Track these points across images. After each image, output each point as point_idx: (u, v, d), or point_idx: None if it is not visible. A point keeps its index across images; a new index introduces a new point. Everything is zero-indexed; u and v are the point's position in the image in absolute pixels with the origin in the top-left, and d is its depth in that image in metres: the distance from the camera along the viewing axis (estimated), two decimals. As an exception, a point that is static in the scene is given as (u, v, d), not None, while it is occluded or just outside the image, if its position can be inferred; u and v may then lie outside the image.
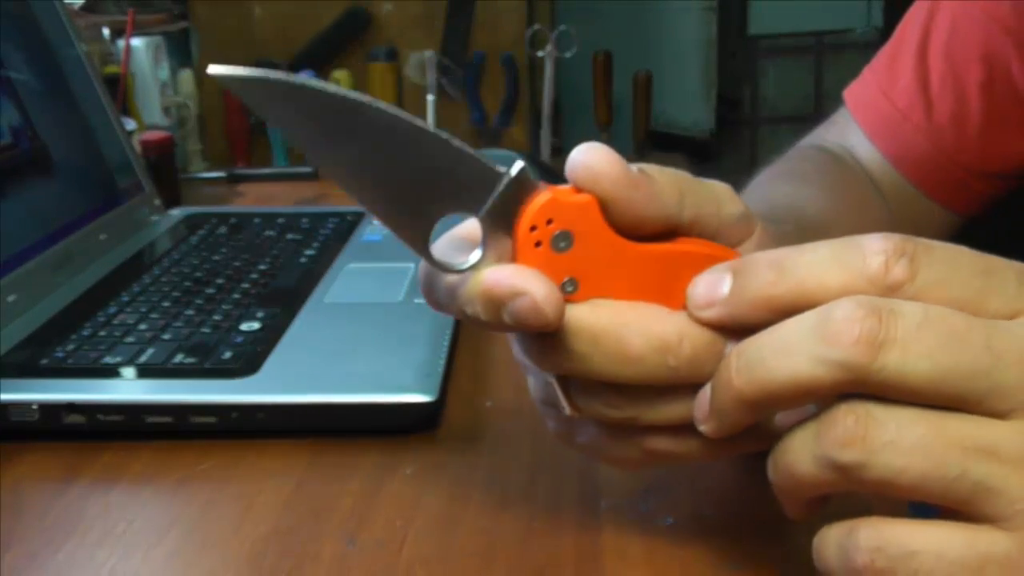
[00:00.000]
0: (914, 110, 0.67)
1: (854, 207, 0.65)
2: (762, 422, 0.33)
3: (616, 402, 0.35)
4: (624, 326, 0.33)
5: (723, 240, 0.36)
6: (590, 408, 0.36)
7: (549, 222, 0.32)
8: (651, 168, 0.35)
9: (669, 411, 0.35)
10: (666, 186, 0.34)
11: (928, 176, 0.68)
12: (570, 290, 0.33)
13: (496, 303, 0.32)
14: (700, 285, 0.33)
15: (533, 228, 0.32)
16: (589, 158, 0.33)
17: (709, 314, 0.33)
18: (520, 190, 0.32)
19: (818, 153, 0.70)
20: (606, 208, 0.33)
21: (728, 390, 0.32)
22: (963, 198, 0.69)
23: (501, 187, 0.32)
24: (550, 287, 0.32)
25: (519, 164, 0.32)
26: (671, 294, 0.34)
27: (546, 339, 0.34)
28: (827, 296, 0.30)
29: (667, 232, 0.35)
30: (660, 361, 0.33)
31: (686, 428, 0.35)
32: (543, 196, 0.33)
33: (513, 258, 0.33)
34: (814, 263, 0.31)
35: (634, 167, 0.34)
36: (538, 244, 0.32)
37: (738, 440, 0.34)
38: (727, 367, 0.32)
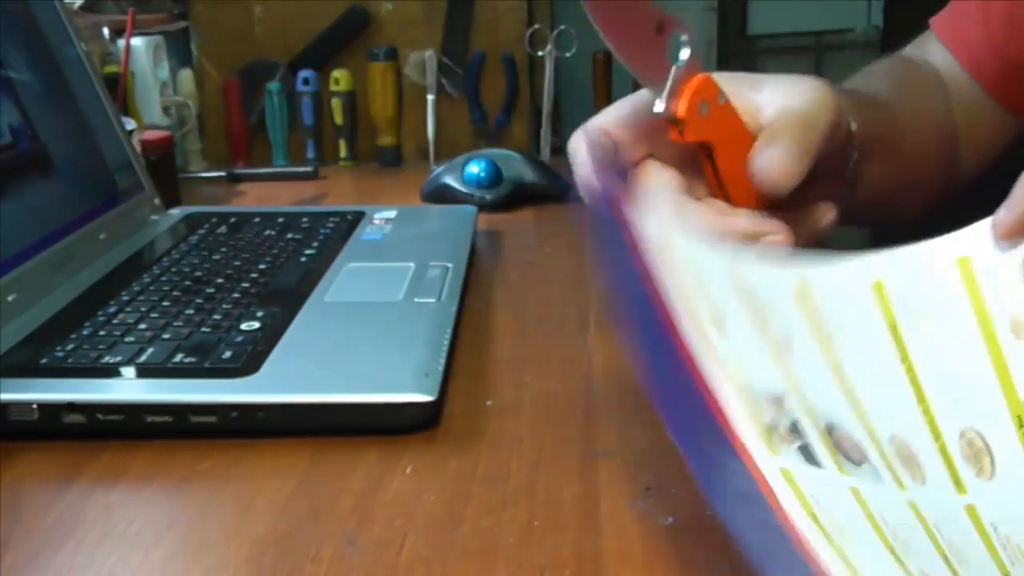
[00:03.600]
0: (973, 6, 0.70)
1: (917, 96, 0.67)
2: None
3: None
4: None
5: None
6: None
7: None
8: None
9: None
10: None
11: (986, 70, 0.70)
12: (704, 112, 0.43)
13: None
14: (1004, 218, 0.31)
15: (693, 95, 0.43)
16: None
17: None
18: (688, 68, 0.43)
19: (890, 58, 0.74)
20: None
21: None
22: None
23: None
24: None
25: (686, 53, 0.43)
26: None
27: None
28: None
29: None
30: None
31: None
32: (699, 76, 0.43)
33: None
34: None
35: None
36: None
37: None
38: None
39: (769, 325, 0.37)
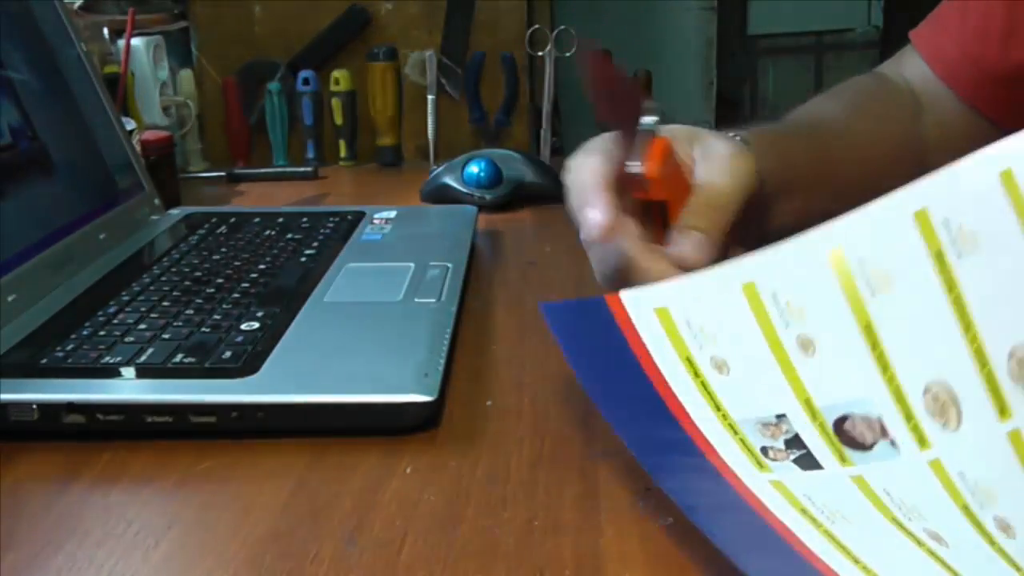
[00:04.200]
0: (951, 16, 0.73)
1: (871, 118, 0.72)
2: None
3: None
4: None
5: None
6: None
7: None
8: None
9: None
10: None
11: (961, 80, 0.72)
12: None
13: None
14: None
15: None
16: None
17: None
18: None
19: (865, 76, 0.78)
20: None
21: None
22: (1000, 109, 0.72)
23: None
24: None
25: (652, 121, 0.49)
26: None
27: None
28: None
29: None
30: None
31: None
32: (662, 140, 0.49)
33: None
34: None
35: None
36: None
37: None
38: None
39: (787, 328, 0.39)
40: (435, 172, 1.02)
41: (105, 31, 1.14)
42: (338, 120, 1.23)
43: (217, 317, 0.60)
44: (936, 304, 0.36)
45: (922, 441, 0.37)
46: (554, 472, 0.47)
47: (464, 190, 0.98)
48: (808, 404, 0.39)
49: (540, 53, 1.15)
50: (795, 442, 0.39)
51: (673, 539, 0.41)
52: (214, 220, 0.83)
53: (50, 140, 0.74)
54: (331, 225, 0.81)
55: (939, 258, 0.35)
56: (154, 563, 0.41)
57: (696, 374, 0.41)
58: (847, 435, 0.38)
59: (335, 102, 1.22)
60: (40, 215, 0.69)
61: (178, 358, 0.54)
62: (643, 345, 0.42)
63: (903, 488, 0.38)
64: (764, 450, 0.40)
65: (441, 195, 0.99)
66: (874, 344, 0.37)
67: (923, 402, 0.37)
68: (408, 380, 0.51)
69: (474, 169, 0.98)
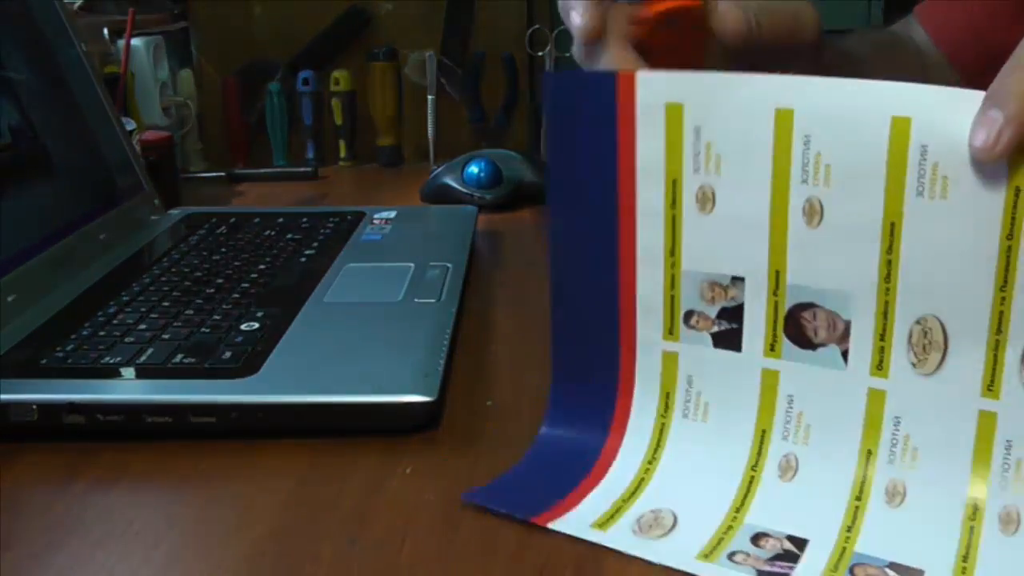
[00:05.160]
0: None
1: (889, 61, 0.70)
2: None
3: None
4: None
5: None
6: None
7: None
8: None
9: None
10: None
11: (965, 57, 0.72)
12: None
13: None
14: (977, 134, 0.34)
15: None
16: None
17: (1002, 147, 0.34)
18: None
19: (880, 30, 0.80)
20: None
21: None
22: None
23: None
24: None
25: None
26: None
27: None
28: None
29: None
30: None
31: None
32: None
33: None
34: None
35: None
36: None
37: None
38: None
39: (802, 183, 0.35)
40: (435, 172, 1.02)
41: (105, 31, 1.14)
42: (338, 120, 1.23)
43: (217, 317, 0.60)
44: (985, 241, 0.33)
45: (880, 366, 0.35)
46: (554, 472, 0.47)
47: (464, 190, 0.98)
48: (777, 276, 0.36)
49: (540, 53, 1.15)
50: (731, 313, 0.37)
51: (673, 539, 0.41)
52: (214, 220, 0.83)
53: (50, 140, 0.74)
54: (331, 225, 0.81)
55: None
56: (154, 563, 0.41)
57: (673, 203, 0.37)
58: (798, 325, 0.36)
59: (335, 102, 1.22)
60: (40, 215, 0.69)
61: (178, 358, 0.54)
62: (632, 145, 0.38)
63: (815, 402, 0.36)
64: (688, 315, 0.38)
65: (441, 195, 0.99)
66: (891, 246, 0.34)
67: (909, 330, 0.34)
68: (408, 380, 0.51)
69: (474, 169, 0.98)
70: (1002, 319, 0.33)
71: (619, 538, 0.38)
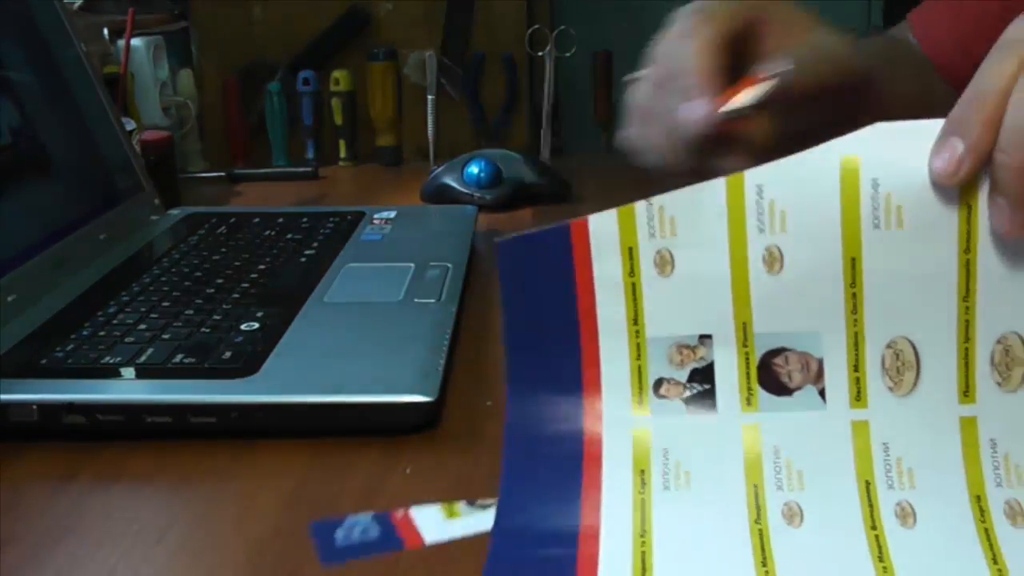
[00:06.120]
0: (948, 5, 0.73)
1: (894, 65, 0.70)
2: None
3: None
4: None
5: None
6: None
7: None
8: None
9: None
10: None
11: (954, 69, 0.71)
12: None
13: None
14: (938, 161, 0.36)
15: None
16: None
17: (963, 174, 0.36)
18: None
19: (881, 35, 0.79)
20: None
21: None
22: None
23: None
24: None
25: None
26: None
27: None
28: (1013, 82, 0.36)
29: None
30: None
31: None
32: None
33: None
34: (993, 71, 0.37)
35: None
36: None
37: None
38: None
39: (760, 234, 0.36)
40: (435, 172, 1.02)
41: (105, 31, 1.14)
42: (338, 120, 1.23)
43: (217, 317, 0.60)
44: (945, 258, 0.35)
45: (858, 397, 0.36)
46: (554, 472, 0.47)
47: (464, 190, 0.98)
48: (744, 328, 0.37)
49: (540, 53, 1.15)
50: (702, 374, 0.37)
51: (673, 539, 0.41)
52: (214, 220, 0.83)
53: (50, 140, 0.74)
54: (331, 225, 0.81)
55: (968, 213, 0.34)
56: (155, 562, 0.41)
57: (631, 272, 0.38)
58: (772, 373, 0.37)
59: (335, 102, 1.22)
60: (40, 215, 0.69)
61: (178, 358, 0.54)
62: (588, 259, 0.38)
63: (802, 447, 0.36)
64: (657, 384, 0.38)
65: (441, 195, 0.99)
66: (853, 279, 0.35)
67: (881, 356, 0.35)
68: (408, 380, 0.51)
69: (474, 169, 0.98)
70: (968, 327, 0.35)
71: None
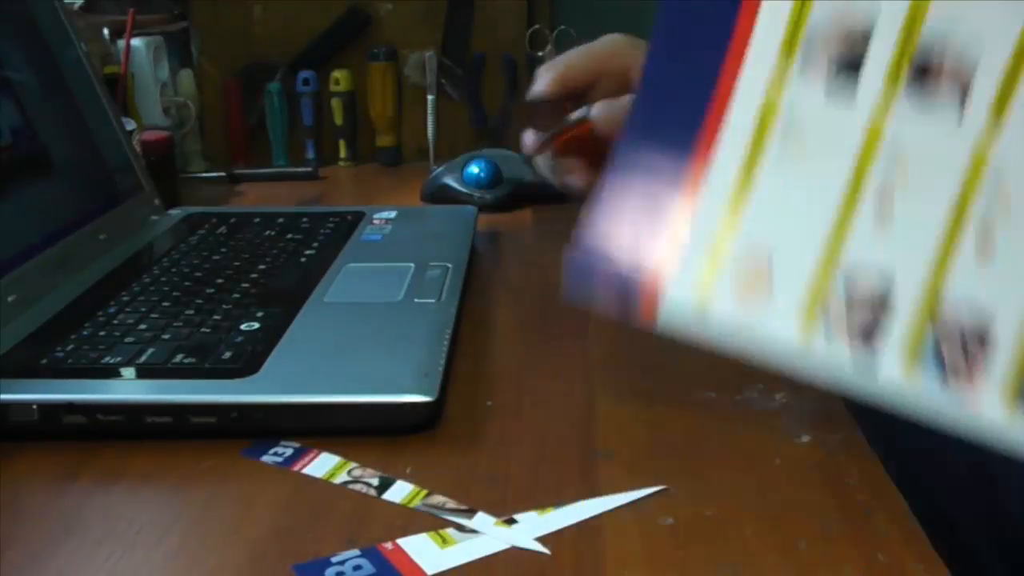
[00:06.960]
0: None
1: None
2: None
3: None
4: None
5: None
6: None
7: None
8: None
9: None
10: None
11: None
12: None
13: None
14: None
15: None
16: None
17: None
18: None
19: None
20: None
21: None
22: None
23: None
24: None
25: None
26: None
27: None
28: None
29: None
30: None
31: None
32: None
33: None
34: None
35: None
36: None
37: None
38: None
39: None
40: (435, 172, 1.02)
41: (105, 31, 1.14)
42: (338, 120, 1.23)
43: (217, 317, 0.60)
44: None
45: (999, 111, 0.35)
46: (554, 472, 0.47)
47: (464, 190, 0.98)
48: (912, 22, 0.36)
49: (540, 53, 1.15)
50: (847, 64, 0.37)
51: (673, 539, 0.41)
52: (214, 220, 0.83)
53: (50, 140, 0.74)
54: (331, 225, 0.81)
55: None
56: (155, 562, 0.41)
57: None
58: (923, 80, 0.35)
59: (335, 102, 1.22)
60: (40, 215, 0.69)
61: (178, 358, 0.54)
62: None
63: (922, 146, 0.35)
64: (807, 49, 0.37)
65: (441, 195, 0.99)
66: None
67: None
68: (408, 380, 0.51)
69: (474, 169, 0.98)
70: None
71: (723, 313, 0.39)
